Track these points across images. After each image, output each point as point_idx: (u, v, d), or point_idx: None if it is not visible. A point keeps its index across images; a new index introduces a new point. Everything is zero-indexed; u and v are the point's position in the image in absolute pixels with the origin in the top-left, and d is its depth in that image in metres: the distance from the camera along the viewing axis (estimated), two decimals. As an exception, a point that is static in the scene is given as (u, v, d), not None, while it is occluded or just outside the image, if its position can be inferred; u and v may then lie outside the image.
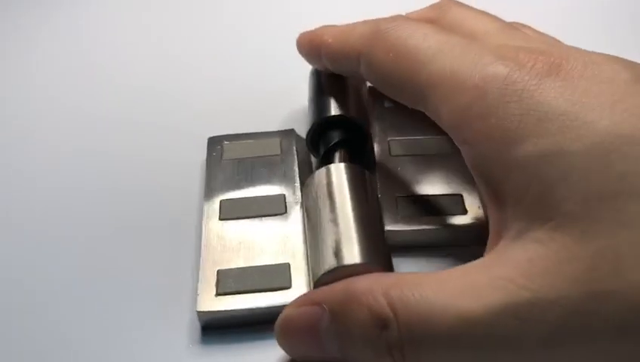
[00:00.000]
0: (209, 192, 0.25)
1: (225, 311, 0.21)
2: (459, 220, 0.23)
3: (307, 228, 0.23)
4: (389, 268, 0.21)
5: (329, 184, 0.22)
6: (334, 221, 0.21)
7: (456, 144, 0.20)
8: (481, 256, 0.19)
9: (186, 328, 0.22)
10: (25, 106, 0.31)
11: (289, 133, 0.27)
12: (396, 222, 0.23)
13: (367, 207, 0.22)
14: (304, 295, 0.20)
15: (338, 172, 0.23)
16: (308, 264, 0.22)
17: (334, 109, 0.25)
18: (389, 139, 0.26)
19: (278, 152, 0.26)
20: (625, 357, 0.16)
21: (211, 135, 0.27)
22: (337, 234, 0.21)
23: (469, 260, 0.18)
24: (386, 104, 0.28)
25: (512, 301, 0.16)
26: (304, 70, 0.27)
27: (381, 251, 0.21)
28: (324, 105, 0.25)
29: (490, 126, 0.18)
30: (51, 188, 0.27)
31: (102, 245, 0.25)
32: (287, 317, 0.20)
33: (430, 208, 0.24)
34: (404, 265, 0.22)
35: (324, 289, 0.19)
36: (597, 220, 0.16)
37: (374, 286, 0.18)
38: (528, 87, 0.18)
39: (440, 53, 0.20)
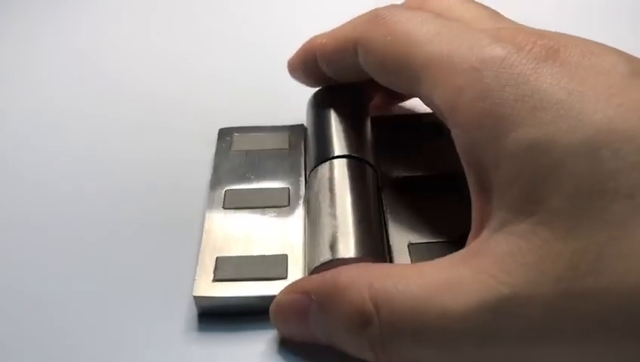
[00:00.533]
0: (215, 181, 0.25)
1: (221, 297, 0.21)
2: None
3: (307, 220, 0.23)
4: (385, 261, 0.21)
5: (331, 178, 0.23)
6: (333, 214, 0.21)
7: (449, 126, 0.20)
8: None
9: (184, 314, 0.22)
10: (31, 103, 0.32)
11: (298, 128, 0.27)
12: None
13: (367, 202, 0.22)
14: (295, 282, 0.21)
15: (340, 166, 0.23)
16: (305, 256, 0.22)
17: (338, 149, 0.24)
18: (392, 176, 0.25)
19: (287, 146, 0.27)
20: (602, 357, 0.16)
21: (223, 127, 0.28)
22: (335, 227, 0.21)
23: None
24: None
25: (492, 296, 0.16)
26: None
27: (377, 246, 0.21)
28: (327, 142, 0.24)
29: (484, 110, 0.18)
30: (61, 178, 0.28)
31: (107, 231, 0.25)
32: (278, 303, 0.20)
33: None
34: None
35: (314, 278, 0.20)
36: (582, 218, 0.16)
37: (359, 279, 0.18)
38: (525, 72, 0.17)
39: (437, 36, 0.20)
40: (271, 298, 0.21)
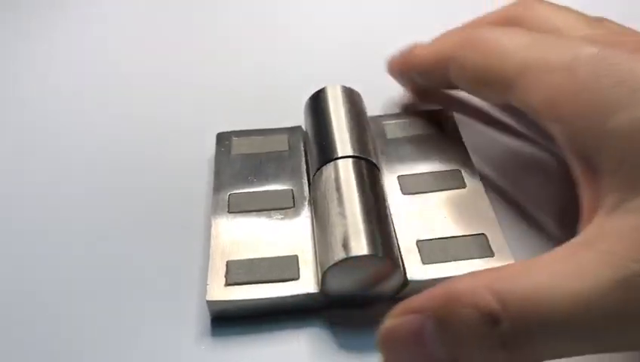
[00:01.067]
0: (218, 186, 0.25)
1: (234, 300, 0.21)
2: (490, 263, 0.22)
3: (315, 221, 0.23)
4: (396, 260, 0.21)
5: (337, 178, 0.23)
6: (342, 214, 0.22)
7: (545, 128, 0.20)
8: None
9: (196, 320, 0.22)
10: (31, 103, 0.32)
11: (296, 129, 0.27)
12: (422, 268, 0.22)
13: (375, 201, 0.22)
14: (401, 304, 0.18)
15: (345, 166, 0.23)
16: (316, 256, 0.22)
17: (341, 150, 0.24)
18: (398, 175, 0.25)
19: (286, 148, 0.27)
20: None
21: (220, 131, 0.28)
22: (345, 226, 0.21)
23: None
24: (389, 135, 0.27)
25: (621, 274, 0.16)
26: (312, 67, 0.28)
27: (389, 243, 0.21)
28: (330, 144, 0.24)
29: (583, 101, 0.19)
30: (62, 182, 0.27)
31: (111, 238, 0.25)
32: (389, 329, 0.18)
33: (456, 252, 0.22)
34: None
35: (422, 296, 0.18)
36: None
37: (476, 283, 0.17)
38: (619, 62, 0.18)
39: (530, 46, 0.21)
40: (284, 299, 0.21)
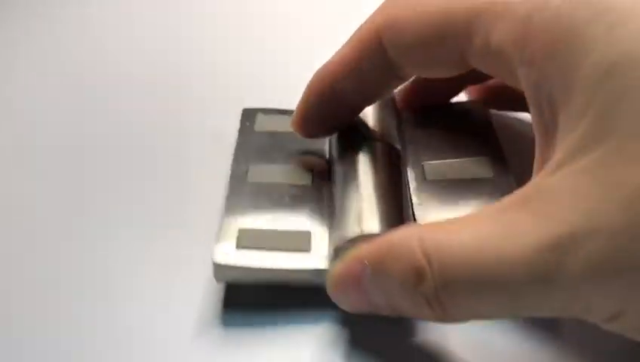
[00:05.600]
0: (238, 158, 0.25)
1: (241, 266, 0.21)
2: None
3: (332, 200, 0.23)
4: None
5: (356, 159, 0.23)
6: (359, 193, 0.21)
7: (511, 77, 0.18)
8: None
9: (207, 299, 0.22)
10: (58, 70, 0.32)
11: (322, 112, 0.27)
12: None
13: (393, 183, 0.22)
14: (350, 251, 0.19)
15: (366, 148, 0.23)
16: (330, 234, 0.22)
17: (363, 132, 0.24)
18: (422, 162, 0.25)
19: None
20: None
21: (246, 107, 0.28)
22: (360, 204, 0.21)
23: None
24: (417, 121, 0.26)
25: (551, 236, 0.15)
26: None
27: (403, 224, 0.21)
28: (351, 127, 0.24)
29: (555, 38, 0.16)
30: (86, 153, 0.28)
31: (127, 209, 0.25)
32: (335, 274, 0.19)
33: None
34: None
35: (366, 245, 0.19)
36: None
37: (409, 234, 0.17)
38: None
39: None
40: (293, 271, 0.21)
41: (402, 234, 0.18)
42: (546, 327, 0.20)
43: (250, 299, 0.22)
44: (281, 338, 0.21)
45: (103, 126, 0.29)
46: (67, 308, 0.22)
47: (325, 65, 0.23)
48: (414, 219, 0.23)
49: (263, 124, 0.27)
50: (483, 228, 0.16)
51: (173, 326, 0.21)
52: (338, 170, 0.23)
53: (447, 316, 0.17)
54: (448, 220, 0.18)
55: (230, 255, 0.21)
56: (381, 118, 0.25)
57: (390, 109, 0.26)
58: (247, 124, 0.27)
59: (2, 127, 0.29)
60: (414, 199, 0.23)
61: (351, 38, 0.22)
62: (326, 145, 0.26)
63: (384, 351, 0.20)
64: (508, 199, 0.17)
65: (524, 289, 0.16)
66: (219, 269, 0.21)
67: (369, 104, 0.24)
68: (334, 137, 0.25)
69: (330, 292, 0.20)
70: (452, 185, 0.23)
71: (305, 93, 0.23)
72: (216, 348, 0.21)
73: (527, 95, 0.18)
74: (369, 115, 0.25)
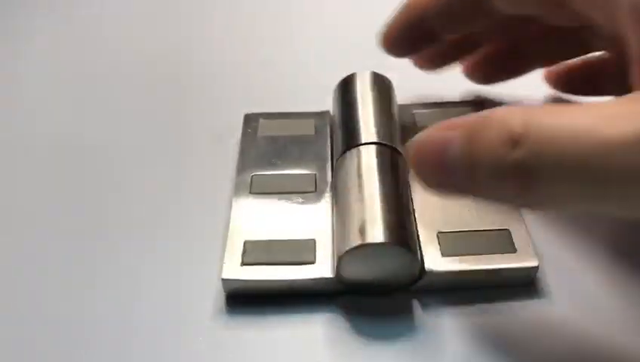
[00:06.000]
0: (241, 167, 0.25)
1: (248, 280, 0.21)
2: (511, 259, 0.21)
3: (335, 206, 0.23)
4: (415, 248, 0.21)
5: (359, 164, 0.23)
6: (361, 200, 0.21)
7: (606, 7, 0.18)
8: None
9: (213, 298, 0.22)
10: (59, 70, 0.32)
11: (324, 114, 0.27)
12: (440, 260, 0.22)
13: (396, 189, 0.22)
14: (444, 121, 0.19)
15: (368, 153, 0.23)
16: (333, 241, 0.22)
17: (366, 136, 0.24)
18: None
19: (312, 132, 0.27)
20: None
21: (247, 112, 0.28)
22: (363, 213, 0.21)
23: None
24: (419, 124, 0.26)
25: None
26: (348, 52, 0.27)
27: (407, 232, 0.21)
28: (355, 129, 0.24)
29: None
30: (90, 158, 0.28)
31: (133, 211, 0.25)
32: (421, 139, 0.19)
33: (477, 246, 0.22)
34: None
35: (464, 116, 0.18)
36: None
37: (511, 110, 0.17)
38: None
39: None
40: (298, 282, 0.21)
41: (504, 108, 0.17)
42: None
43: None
44: (287, 323, 0.21)
45: (106, 125, 0.29)
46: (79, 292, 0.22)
47: None
48: (415, 220, 0.23)
49: (265, 128, 0.27)
50: (584, 115, 0.16)
51: (180, 315, 0.22)
52: (341, 175, 0.23)
53: (528, 192, 0.17)
54: (550, 104, 0.18)
55: (237, 270, 0.21)
56: (383, 120, 0.25)
57: (392, 111, 0.26)
58: (249, 130, 0.27)
59: (3, 127, 0.29)
60: (415, 201, 0.23)
61: None
62: (328, 146, 0.26)
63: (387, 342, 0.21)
64: (612, 99, 0.17)
65: (614, 175, 0.16)
66: (227, 283, 0.21)
67: (453, 36, 0.25)
68: (336, 140, 0.25)
69: (411, 158, 0.19)
70: None
71: (396, 15, 0.25)
72: (222, 335, 0.21)
73: (629, 22, 0.18)
74: (371, 116, 0.25)
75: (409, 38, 0.26)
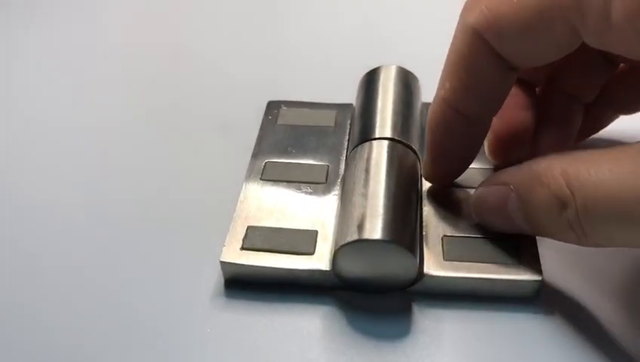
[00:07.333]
0: (257, 152, 0.25)
1: (246, 265, 0.21)
2: (514, 270, 0.21)
3: (340, 199, 0.23)
4: (414, 248, 0.20)
5: (368, 159, 0.22)
6: (365, 195, 0.21)
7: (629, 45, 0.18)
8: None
9: (213, 280, 0.22)
10: (64, 64, 0.33)
11: (346, 107, 0.27)
12: (441, 264, 0.21)
13: (402, 186, 0.22)
14: (493, 175, 0.22)
15: (379, 148, 0.23)
16: (333, 233, 0.22)
17: (380, 130, 0.23)
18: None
19: (332, 124, 0.26)
20: None
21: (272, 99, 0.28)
22: (364, 208, 0.21)
23: None
24: None
25: None
26: (372, 46, 0.27)
27: (407, 230, 0.21)
28: (370, 123, 0.24)
29: None
30: (106, 146, 0.28)
31: (145, 191, 0.26)
32: (480, 196, 0.22)
33: (481, 253, 0.21)
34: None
35: (511, 170, 0.21)
36: None
37: (553, 165, 0.19)
38: None
39: None
40: (295, 271, 0.21)
41: (546, 165, 0.19)
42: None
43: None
44: (283, 311, 0.21)
45: (112, 121, 0.29)
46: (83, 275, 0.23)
47: (437, 94, 0.22)
48: (423, 221, 0.22)
49: (285, 117, 0.27)
50: (622, 166, 0.18)
51: (180, 294, 0.22)
52: (350, 168, 0.23)
53: (588, 239, 0.19)
54: (589, 151, 0.19)
55: (236, 254, 0.22)
56: (402, 116, 0.24)
57: (413, 108, 0.25)
58: (270, 117, 0.27)
59: (5, 126, 0.30)
60: (425, 201, 0.23)
61: (449, 55, 0.21)
62: (345, 138, 0.26)
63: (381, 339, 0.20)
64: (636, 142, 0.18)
65: None
66: (225, 266, 0.22)
67: (493, 114, 0.22)
68: (353, 133, 0.25)
69: (476, 213, 0.22)
70: (466, 193, 0.23)
71: (428, 133, 0.22)
72: (218, 316, 0.21)
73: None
74: (389, 112, 0.24)
75: (456, 143, 0.22)
